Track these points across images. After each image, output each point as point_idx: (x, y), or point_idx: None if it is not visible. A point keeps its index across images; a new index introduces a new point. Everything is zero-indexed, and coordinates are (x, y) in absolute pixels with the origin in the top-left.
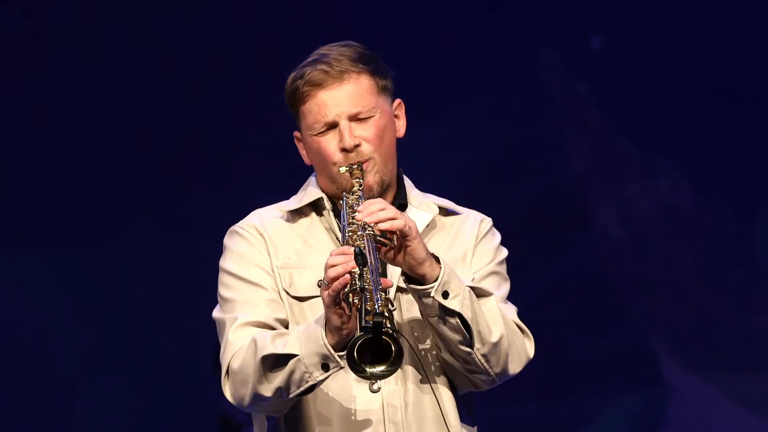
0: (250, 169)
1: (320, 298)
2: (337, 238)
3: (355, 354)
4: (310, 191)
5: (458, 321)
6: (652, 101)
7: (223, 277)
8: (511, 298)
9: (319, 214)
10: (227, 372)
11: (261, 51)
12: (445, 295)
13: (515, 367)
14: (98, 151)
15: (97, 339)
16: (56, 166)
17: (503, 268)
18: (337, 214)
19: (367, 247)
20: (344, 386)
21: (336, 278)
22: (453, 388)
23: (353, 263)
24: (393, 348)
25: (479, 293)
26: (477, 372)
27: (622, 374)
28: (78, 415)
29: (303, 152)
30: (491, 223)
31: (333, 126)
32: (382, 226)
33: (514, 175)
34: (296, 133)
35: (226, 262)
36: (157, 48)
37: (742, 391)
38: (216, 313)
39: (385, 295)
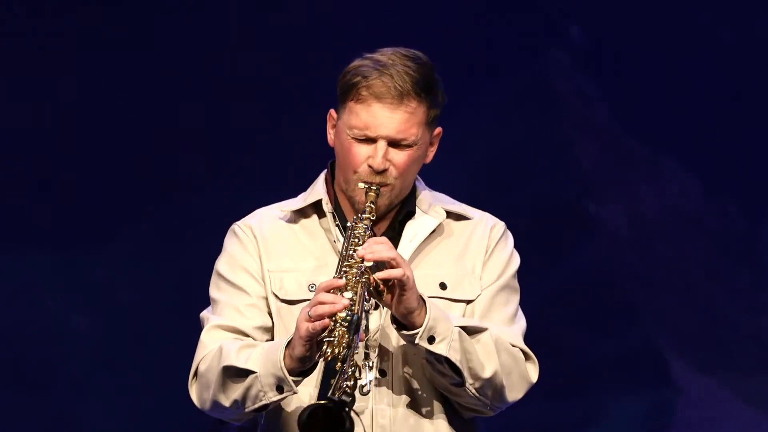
0: (257, 169)
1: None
2: (334, 241)
3: (307, 415)
4: (315, 191)
5: (446, 364)
6: (660, 101)
7: (213, 277)
8: (520, 296)
9: (321, 215)
10: (195, 373)
11: (263, 51)
12: (431, 339)
13: (515, 395)
14: (104, 151)
15: (104, 339)
16: (61, 166)
17: (514, 280)
18: (339, 217)
19: (359, 297)
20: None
21: (320, 317)
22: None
23: (340, 306)
24: (346, 425)
25: (472, 330)
26: (473, 403)
27: (629, 375)
28: (84, 415)
29: (330, 132)
30: (503, 228)
31: (371, 140)
32: (381, 275)
33: (521, 175)
34: (332, 111)
35: (218, 262)
36: (162, 47)
37: (750, 391)
38: (203, 312)
39: (354, 360)
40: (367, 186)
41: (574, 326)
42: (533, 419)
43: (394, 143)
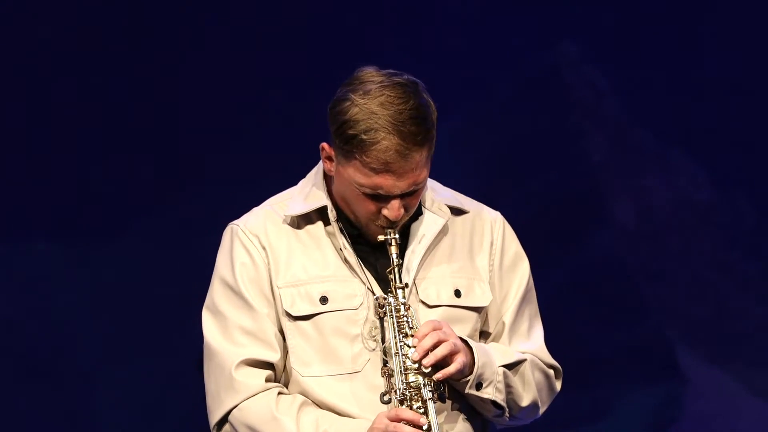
0: (272, 163)
1: (323, 315)
2: (340, 249)
3: None
4: (316, 195)
5: (490, 404)
6: (670, 94)
7: (218, 283)
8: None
9: (326, 221)
10: (227, 419)
11: (266, 50)
12: (479, 386)
13: (544, 408)
14: (114, 144)
15: (115, 331)
16: (71, 160)
17: (530, 280)
18: (343, 222)
19: (432, 419)
20: (356, 393)
21: None
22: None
23: None
24: None
25: (513, 365)
26: (508, 425)
27: (639, 367)
28: (95, 407)
29: (326, 162)
30: (502, 222)
31: (383, 197)
32: (438, 376)
33: (531, 168)
34: (326, 146)
35: (223, 268)
36: (177, 45)
37: (760, 383)
38: (208, 324)
39: None
40: (386, 238)
41: (583, 319)
42: (544, 412)
43: (406, 193)
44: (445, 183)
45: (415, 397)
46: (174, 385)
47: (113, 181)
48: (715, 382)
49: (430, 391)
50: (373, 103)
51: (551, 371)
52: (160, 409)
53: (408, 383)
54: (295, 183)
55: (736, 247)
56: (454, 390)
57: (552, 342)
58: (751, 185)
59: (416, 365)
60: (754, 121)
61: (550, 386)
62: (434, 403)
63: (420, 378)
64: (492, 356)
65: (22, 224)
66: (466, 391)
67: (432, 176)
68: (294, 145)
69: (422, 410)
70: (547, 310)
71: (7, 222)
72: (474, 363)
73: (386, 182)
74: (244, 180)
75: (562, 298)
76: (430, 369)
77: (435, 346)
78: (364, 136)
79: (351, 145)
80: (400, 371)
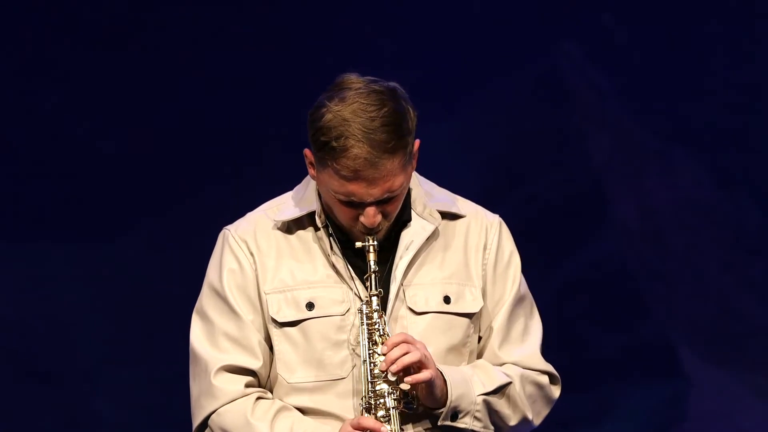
0: (275, 165)
1: (309, 321)
2: (328, 255)
3: None
4: (308, 200)
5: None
6: (672, 94)
7: (206, 289)
8: (531, 291)
9: (316, 226)
10: (207, 424)
11: (269, 50)
12: (454, 417)
13: (541, 418)
14: (118, 144)
15: (116, 332)
16: (75, 159)
17: (522, 282)
18: (332, 226)
19: (392, 420)
20: (341, 400)
21: None
22: None
23: None
24: None
25: (497, 390)
26: None
27: (641, 367)
28: (97, 408)
29: (310, 167)
30: (499, 225)
31: (359, 204)
32: (408, 380)
33: (533, 169)
34: (308, 152)
35: (212, 273)
36: (177, 46)
37: (762, 384)
38: (196, 328)
39: None
40: (364, 245)
41: (586, 319)
42: None
43: (382, 200)
44: (446, 184)
45: (380, 405)
46: (174, 385)
47: (114, 182)
48: (717, 383)
49: (394, 399)
50: (346, 110)
51: (545, 379)
52: (160, 410)
53: (374, 391)
54: (293, 186)
55: (738, 247)
56: None
57: (554, 342)
58: (753, 185)
59: (383, 373)
60: (755, 121)
61: (546, 395)
62: (398, 411)
63: (386, 386)
64: (471, 385)
65: (23, 224)
66: (440, 422)
67: (432, 177)
68: (296, 147)
69: (386, 419)
70: (549, 310)
71: (7, 222)
72: (447, 395)
73: (358, 190)
74: (245, 181)
75: (564, 298)
76: (396, 377)
77: (403, 355)
78: (335, 144)
79: (324, 152)
80: (368, 379)
